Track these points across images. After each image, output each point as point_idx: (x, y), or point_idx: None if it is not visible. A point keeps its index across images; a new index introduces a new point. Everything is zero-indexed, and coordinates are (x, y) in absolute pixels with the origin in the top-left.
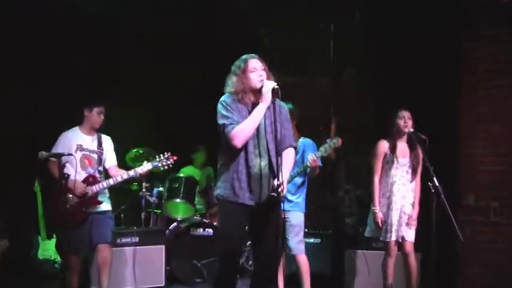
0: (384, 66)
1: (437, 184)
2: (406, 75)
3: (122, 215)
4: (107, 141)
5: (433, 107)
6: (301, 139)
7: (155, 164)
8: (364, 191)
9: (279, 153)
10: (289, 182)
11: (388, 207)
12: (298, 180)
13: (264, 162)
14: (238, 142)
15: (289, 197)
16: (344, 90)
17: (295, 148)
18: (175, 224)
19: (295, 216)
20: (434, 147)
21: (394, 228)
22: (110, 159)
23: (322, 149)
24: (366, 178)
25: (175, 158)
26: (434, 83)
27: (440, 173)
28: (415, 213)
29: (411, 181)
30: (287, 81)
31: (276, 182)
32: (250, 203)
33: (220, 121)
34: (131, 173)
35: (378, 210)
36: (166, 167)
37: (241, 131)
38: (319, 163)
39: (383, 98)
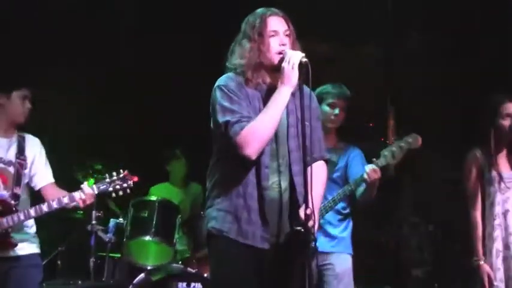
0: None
1: None
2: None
3: (59, 262)
4: (34, 145)
5: None
6: (345, 146)
7: (103, 186)
8: (443, 226)
9: (307, 167)
10: (330, 208)
11: (503, 253)
12: (342, 206)
13: (285, 182)
14: (252, 150)
15: (331, 230)
16: (405, 64)
17: (327, 162)
18: (143, 275)
19: (342, 261)
20: None
21: None
22: (42, 174)
23: (386, 153)
24: (446, 206)
25: (135, 179)
26: None
27: None
28: None
29: None
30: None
31: (303, 211)
32: (263, 246)
33: (221, 117)
34: (65, 200)
35: (483, 261)
36: (121, 193)
37: (257, 132)
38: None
39: (466, 75)
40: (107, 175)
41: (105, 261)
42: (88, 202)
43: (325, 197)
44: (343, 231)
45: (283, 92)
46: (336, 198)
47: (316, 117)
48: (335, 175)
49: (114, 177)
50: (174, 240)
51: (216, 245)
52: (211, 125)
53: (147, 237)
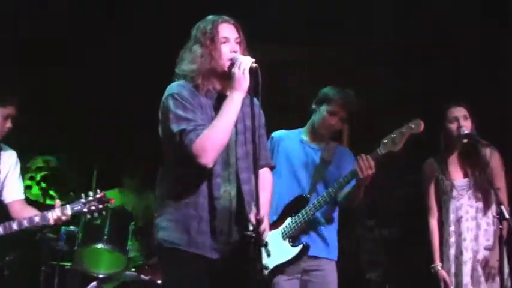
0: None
1: (506, 214)
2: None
3: (6, 272)
4: (10, 158)
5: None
6: (335, 144)
7: (78, 207)
8: (397, 229)
9: (257, 174)
10: (325, 202)
11: (457, 258)
12: (332, 207)
13: (234, 190)
14: (209, 158)
15: (326, 233)
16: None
17: (272, 168)
18: (95, 283)
19: (332, 268)
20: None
21: None
22: (12, 189)
23: (386, 140)
24: (401, 209)
25: (112, 201)
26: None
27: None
28: (492, 258)
29: (485, 211)
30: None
31: (253, 216)
32: (212, 255)
33: (176, 126)
34: (36, 219)
35: (440, 267)
36: (96, 214)
37: (212, 139)
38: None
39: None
40: (82, 195)
41: (55, 270)
42: (60, 222)
43: (319, 195)
44: (334, 235)
45: (235, 97)
46: (331, 191)
47: (262, 125)
48: (328, 173)
49: (90, 198)
50: (127, 248)
51: (167, 257)
52: (161, 133)
53: (100, 245)
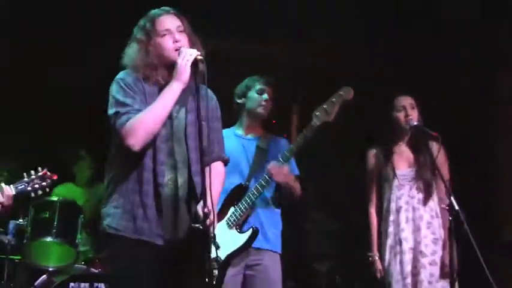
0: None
1: (456, 206)
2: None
3: None
4: None
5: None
6: (272, 136)
7: (21, 186)
8: (344, 221)
9: (204, 166)
10: (260, 191)
11: (394, 248)
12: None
13: (182, 179)
14: (135, 140)
15: (268, 226)
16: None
17: (225, 163)
18: (44, 276)
19: (275, 263)
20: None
21: (408, 281)
22: None
23: (318, 113)
24: (348, 201)
25: (54, 177)
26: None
27: (468, 193)
28: (446, 255)
29: (424, 202)
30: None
31: (200, 209)
32: (159, 242)
33: (111, 110)
34: None
35: (376, 257)
36: (40, 192)
37: (142, 123)
38: (293, 170)
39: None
40: (24, 174)
41: (4, 264)
42: (6, 204)
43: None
44: (277, 227)
45: (173, 87)
46: (258, 188)
47: (215, 118)
48: (266, 160)
49: (33, 176)
50: (77, 241)
51: (113, 244)
52: (107, 120)
53: (49, 238)
